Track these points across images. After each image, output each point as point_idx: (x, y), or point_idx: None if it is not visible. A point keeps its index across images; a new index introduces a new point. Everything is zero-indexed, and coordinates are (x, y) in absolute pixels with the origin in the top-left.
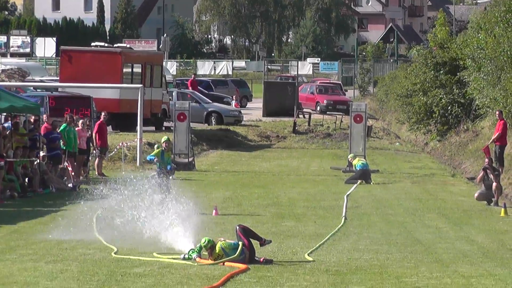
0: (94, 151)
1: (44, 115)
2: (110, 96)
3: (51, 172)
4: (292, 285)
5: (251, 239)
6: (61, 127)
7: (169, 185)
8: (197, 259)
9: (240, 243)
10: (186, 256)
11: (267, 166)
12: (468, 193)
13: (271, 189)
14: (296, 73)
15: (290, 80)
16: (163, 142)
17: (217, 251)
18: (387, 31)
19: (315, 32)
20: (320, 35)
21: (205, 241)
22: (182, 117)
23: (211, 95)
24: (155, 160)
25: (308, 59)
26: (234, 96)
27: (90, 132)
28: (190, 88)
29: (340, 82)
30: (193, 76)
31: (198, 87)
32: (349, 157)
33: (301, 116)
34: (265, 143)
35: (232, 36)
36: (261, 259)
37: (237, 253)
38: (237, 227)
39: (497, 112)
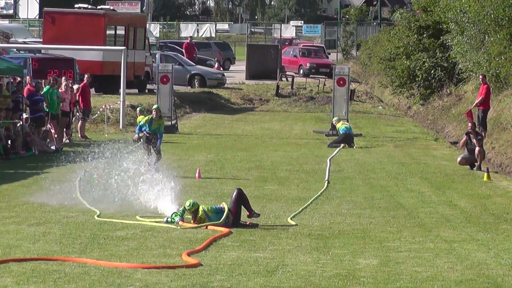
0: (77, 113)
1: (27, 77)
2: (93, 58)
3: (33, 134)
4: (275, 249)
5: (242, 206)
6: (44, 89)
7: (156, 155)
8: (180, 222)
9: (226, 207)
10: (169, 219)
11: (250, 129)
12: (450, 157)
13: (254, 153)
14: (279, 36)
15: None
16: (153, 110)
17: (199, 215)
18: None
19: None
20: None
21: (189, 204)
22: (165, 79)
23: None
24: (143, 131)
25: (291, 22)
26: (216, 59)
27: (73, 94)
28: (185, 52)
29: (323, 45)
30: (189, 38)
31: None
32: (333, 120)
33: (284, 79)
34: (248, 106)
35: None
36: (247, 223)
37: (222, 218)
38: (236, 190)
39: (480, 76)
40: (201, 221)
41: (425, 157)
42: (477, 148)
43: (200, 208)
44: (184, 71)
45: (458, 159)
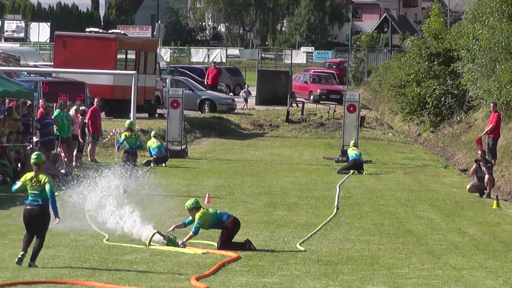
0: (87, 137)
1: (41, 100)
2: (103, 82)
3: None
4: (284, 275)
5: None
6: (55, 113)
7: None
8: (187, 247)
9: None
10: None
11: (260, 154)
12: (460, 184)
13: (263, 178)
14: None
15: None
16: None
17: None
18: (382, 21)
19: (309, 21)
20: (314, 24)
21: (192, 202)
22: (175, 104)
23: (204, 82)
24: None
25: (302, 48)
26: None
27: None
28: (210, 81)
29: (334, 72)
30: (212, 64)
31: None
32: (351, 143)
33: (294, 105)
34: (258, 132)
35: (226, 24)
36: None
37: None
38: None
39: (491, 104)
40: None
41: (434, 184)
42: (486, 176)
43: (198, 214)
44: (194, 96)
45: (468, 186)
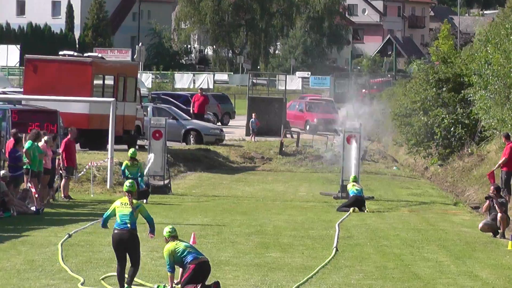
0: (61, 171)
1: (13, 130)
2: (78, 111)
3: (12, 193)
4: None
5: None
6: (27, 145)
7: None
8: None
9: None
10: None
11: (251, 190)
12: (471, 223)
13: (254, 216)
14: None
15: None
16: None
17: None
18: (385, 43)
19: (306, 43)
20: (311, 46)
21: (170, 229)
22: (157, 134)
23: (189, 111)
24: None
25: (297, 73)
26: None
27: (57, 150)
28: (196, 109)
29: (332, 99)
30: (199, 91)
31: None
32: (351, 178)
33: (288, 136)
34: (248, 165)
35: (214, 47)
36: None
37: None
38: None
39: (503, 136)
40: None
41: (443, 223)
42: (499, 214)
43: (175, 244)
44: (178, 126)
45: (480, 225)
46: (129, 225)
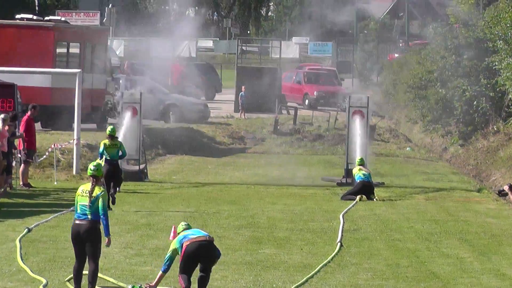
0: (19, 155)
1: None
2: (39, 84)
3: None
4: None
5: None
6: None
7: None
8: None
9: None
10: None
11: (241, 176)
12: (498, 213)
13: (245, 206)
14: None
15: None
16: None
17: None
18: (395, 3)
19: (303, 4)
20: (310, 7)
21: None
22: (131, 111)
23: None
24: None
25: (293, 38)
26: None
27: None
28: (175, 82)
29: (335, 69)
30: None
31: None
32: (357, 161)
33: (284, 112)
34: (238, 147)
35: (196, 8)
36: None
37: None
38: None
39: None
40: None
41: (465, 212)
42: None
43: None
44: (156, 101)
45: None
46: (89, 216)
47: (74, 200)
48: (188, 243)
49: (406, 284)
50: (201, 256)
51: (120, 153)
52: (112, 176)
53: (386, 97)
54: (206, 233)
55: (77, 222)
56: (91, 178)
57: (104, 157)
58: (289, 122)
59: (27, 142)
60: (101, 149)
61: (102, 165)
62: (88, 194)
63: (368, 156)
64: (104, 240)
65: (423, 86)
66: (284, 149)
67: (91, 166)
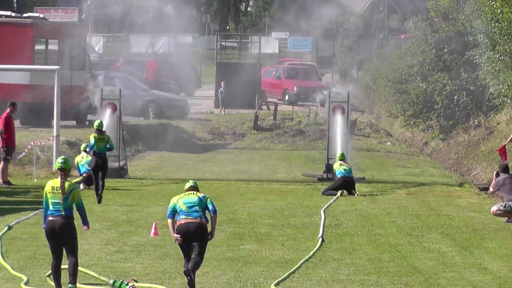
0: None
1: None
2: (18, 81)
3: None
4: None
5: None
6: None
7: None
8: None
9: None
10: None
11: (221, 172)
12: (479, 207)
13: (225, 202)
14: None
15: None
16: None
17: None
18: None
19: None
20: (289, 2)
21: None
22: (110, 108)
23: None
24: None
25: (273, 33)
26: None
27: None
28: (150, 77)
29: (314, 64)
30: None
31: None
32: (338, 156)
33: (264, 107)
34: (218, 143)
35: (175, 3)
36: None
37: None
38: None
39: None
40: None
41: (446, 207)
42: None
43: (180, 196)
44: (135, 97)
45: (494, 208)
46: (63, 212)
47: None
48: (178, 224)
49: (388, 279)
50: (192, 237)
51: (108, 146)
52: (100, 169)
53: (367, 92)
54: (198, 214)
55: (50, 218)
56: (59, 171)
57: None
58: (269, 117)
59: (6, 139)
60: (92, 142)
61: (90, 158)
62: (60, 191)
63: (349, 151)
64: (82, 228)
65: (403, 80)
66: (264, 145)
67: (59, 159)
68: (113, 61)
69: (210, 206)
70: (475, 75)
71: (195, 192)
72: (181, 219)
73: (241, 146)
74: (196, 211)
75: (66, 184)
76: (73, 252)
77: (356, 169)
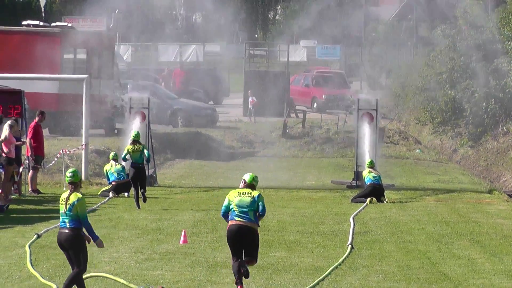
0: (27, 161)
1: None
2: (47, 90)
3: None
4: None
5: None
6: None
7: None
8: None
9: None
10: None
11: None
12: (509, 214)
13: None
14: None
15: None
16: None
17: None
18: (404, 6)
19: (311, 7)
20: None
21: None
22: (139, 116)
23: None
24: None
25: (301, 41)
26: (250, 92)
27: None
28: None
29: (343, 71)
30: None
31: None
32: (367, 163)
33: (293, 115)
34: (247, 151)
35: (203, 13)
36: None
37: None
38: None
39: None
40: None
41: (476, 214)
42: None
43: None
44: (164, 106)
45: None
46: (67, 224)
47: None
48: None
49: (417, 285)
50: (242, 241)
51: (145, 156)
52: (137, 179)
53: (395, 99)
54: (248, 218)
55: (59, 231)
56: (69, 185)
57: (126, 161)
58: (298, 125)
59: (34, 148)
60: (123, 154)
61: (120, 167)
62: (64, 202)
63: (378, 159)
64: (93, 244)
65: (432, 88)
66: (293, 153)
67: (67, 173)
68: (140, 70)
69: (260, 207)
70: (504, 82)
71: (250, 192)
72: (232, 220)
73: (269, 154)
74: (247, 214)
75: (72, 196)
76: (77, 264)
77: (385, 176)
